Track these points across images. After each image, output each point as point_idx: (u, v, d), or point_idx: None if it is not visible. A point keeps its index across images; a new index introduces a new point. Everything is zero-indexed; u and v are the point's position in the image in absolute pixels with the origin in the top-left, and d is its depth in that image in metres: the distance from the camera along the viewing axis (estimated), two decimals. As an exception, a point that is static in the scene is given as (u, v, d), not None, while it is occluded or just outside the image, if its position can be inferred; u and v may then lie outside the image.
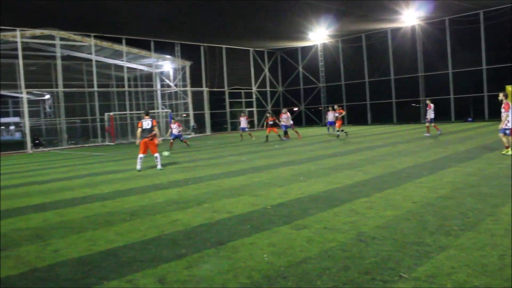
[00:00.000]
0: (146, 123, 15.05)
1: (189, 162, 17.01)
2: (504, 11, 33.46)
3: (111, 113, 35.09)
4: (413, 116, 39.65)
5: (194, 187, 10.92)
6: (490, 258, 4.84)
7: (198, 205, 8.62)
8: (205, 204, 8.62)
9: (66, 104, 33.13)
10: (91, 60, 33.58)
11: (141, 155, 14.93)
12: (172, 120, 25.55)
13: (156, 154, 15.15)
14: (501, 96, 13.74)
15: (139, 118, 36.75)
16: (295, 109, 49.18)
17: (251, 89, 47.43)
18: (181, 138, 25.12)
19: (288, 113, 27.77)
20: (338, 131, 26.23)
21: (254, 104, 47.47)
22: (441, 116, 36.38)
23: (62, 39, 31.59)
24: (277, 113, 49.60)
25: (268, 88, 49.56)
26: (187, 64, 40.35)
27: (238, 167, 14.52)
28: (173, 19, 31.15)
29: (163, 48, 39.01)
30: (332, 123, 28.77)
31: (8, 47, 29.57)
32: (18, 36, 28.83)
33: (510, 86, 33.45)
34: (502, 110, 13.59)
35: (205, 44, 42.31)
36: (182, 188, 10.80)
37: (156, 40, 37.84)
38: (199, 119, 41.65)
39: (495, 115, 34.25)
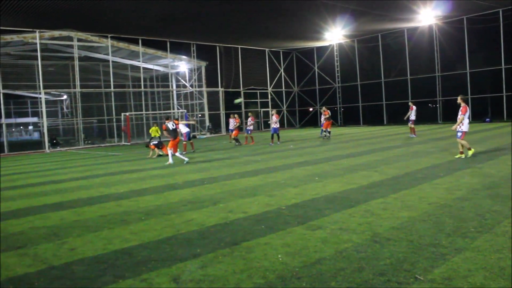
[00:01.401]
0: (171, 124, 17.15)
1: (204, 162, 17.06)
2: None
3: (127, 113, 35.39)
4: (430, 116, 39.23)
5: (209, 187, 10.96)
6: (507, 261, 4.77)
7: (213, 205, 8.64)
8: (220, 204, 8.64)
9: (83, 105, 33.52)
10: (108, 60, 33.92)
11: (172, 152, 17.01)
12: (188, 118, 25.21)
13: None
14: (459, 99, 14.02)
15: (155, 119, 37.20)
16: (311, 109, 49.06)
17: (267, 89, 47.41)
18: (188, 139, 22.67)
19: (276, 116, 24.62)
20: (324, 131, 26.48)
21: (270, 104, 47.43)
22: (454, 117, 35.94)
23: (79, 40, 31.98)
24: (291, 113, 49.79)
25: (283, 88, 49.49)
26: (203, 64, 40.52)
27: (253, 167, 14.53)
28: (189, 19, 31.26)
29: (179, 49, 39.23)
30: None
31: (28, 48, 30.03)
32: (37, 37, 29.25)
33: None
34: (459, 113, 13.82)
35: (221, 45, 42.42)
36: (197, 188, 10.84)
37: (172, 40, 38.05)
38: (215, 119, 41.77)
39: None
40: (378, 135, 27.46)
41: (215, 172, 13.85)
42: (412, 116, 24.31)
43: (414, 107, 24.47)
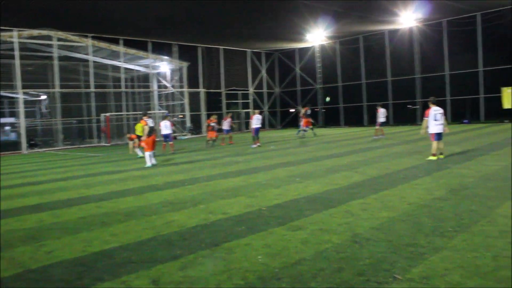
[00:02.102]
0: (150, 121, 16.56)
1: (185, 163, 16.99)
2: (501, 13, 33.62)
3: (107, 114, 35.03)
4: (409, 117, 39.68)
5: (190, 188, 10.91)
6: (483, 260, 4.86)
7: (194, 206, 8.61)
8: (201, 205, 8.61)
9: (63, 105, 33.06)
10: (88, 60, 33.53)
11: (149, 153, 16.20)
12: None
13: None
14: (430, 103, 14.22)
15: (135, 119, 36.90)
16: (292, 110, 49.19)
17: (248, 90, 47.41)
18: (169, 140, 22.64)
19: (256, 116, 24.03)
20: (301, 130, 26.54)
21: (251, 105, 47.45)
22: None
23: (59, 39, 31.53)
24: (273, 114, 49.87)
25: (265, 89, 49.55)
26: (184, 65, 40.32)
27: (235, 168, 14.52)
28: (170, 20, 31.12)
29: (161, 49, 39.00)
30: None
31: (5, 47, 29.51)
32: (15, 36, 28.76)
33: (506, 88, 33.68)
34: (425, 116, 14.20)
35: (203, 45, 42.30)
36: (178, 189, 10.79)
37: (153, 41, 37.82)
38: (196, 120, 41.62)
39: (491, 117, 34.42)
40: (359, 136, 27.68)
41: (197, 173, 13.81)
42: (381, 119, 24.70)
43: (382, 109, 24.88)
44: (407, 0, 29.65)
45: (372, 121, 41.61)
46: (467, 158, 13.70)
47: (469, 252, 5.12)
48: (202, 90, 41.76)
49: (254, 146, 22.93)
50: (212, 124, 25.47)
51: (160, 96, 41.16)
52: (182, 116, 40.67)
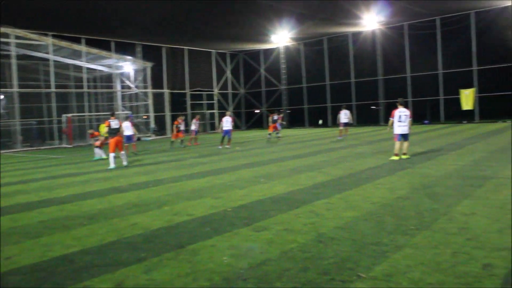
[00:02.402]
0: (114, 123, 16.10)
1: (150, 165, 16.80)
2: (459, 18, 34.76)
3: (69, 115, 34.20)
4: (372, 118, 40.43)
5: (155, 189, 10.79)
6: (443, 256, 4.99)
7: (158, 208, 8.51)
8: (165, 207, 8.53)
9: (22, 105, 32.08)
10: (48, 60, 32.69)
11: (113, 154, 16.00)
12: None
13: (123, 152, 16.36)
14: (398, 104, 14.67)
15: (98, 120, 36.20)
16: (256, 111, 49.34)
17: (213, 91, 47.25)
18: (133, 141, 22.21)
19: (228, 118, 23.95)
20: (273, 133, 26.78)
21: (216, 106, 47.33)
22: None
23: (17, 37, 30.61)
24: (238, 115, 49.88)
25: (230, 90, 49.51)
26: (148, 65, 39.84)
27: (200, 169, 14.44)
28: (134, 19, 30.70)
29: (124, 49, 38.40)
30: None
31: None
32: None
33: (464, 90, 34.79)
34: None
35: (167, 45, 41.90)
36: (142, 191, 10.64)
37: (116, 40, 37.19)
38: (160, 121, 41.18)
39: (451, 118, 35.44)
40: (323, 137, 28.01)
41: (161, 174, 13.66)
42: (344, 120, 25.32)
43: (344, 111, 25.63)
44: (370, 1, 30.15)
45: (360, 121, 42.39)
46: (428, 158, 14.05)
47: (430, 249, 5.25)
48: (166, 91, 41.38)
49: (220, 147, 22.74)
50: (179, 125, 25.27)
51: (123, 97, 40.56)
52: (146, 117, 40.17)
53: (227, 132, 23.01)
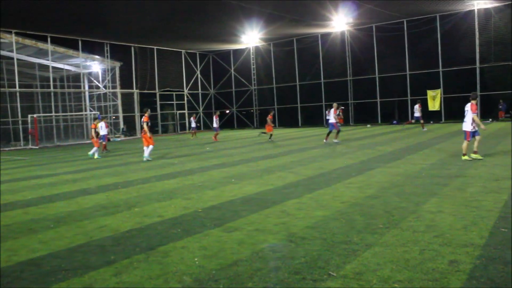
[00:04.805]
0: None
1: (119, 166, 16.57)
2: (425, 21, 35.55)
3: (35, 115, 33.42)
4: (343, 118, 40.84)
5: (124, 191, 10.65)
6: (412, 254, 5.09)
7: (128, 209, 8.41)
8: (135, 209, 8.42)
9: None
10: (12, 58, 31.83)
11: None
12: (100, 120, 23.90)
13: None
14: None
15: (66, 121, 35.50)
16: (227, 111, 49.27)
17: (183, 91, 46.93)
18: (103, 141, 22.88)
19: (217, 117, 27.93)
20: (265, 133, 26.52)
21: (186, 106, 47.04)
22: (368, 118, 37.93)
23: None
24: (208, 115, 49.70)
25: (200, 91, 49.27)
26: (117, 65, 39.30)
27: (170, 170, 14.33)
28: (102, 18, 30.20)
29: (92, 48, 37.74)
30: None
31: None
32: None
33: (431, 91, 35.60)
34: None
35: (136, 45, 41.40)
36: (111, 193, 10.49)
37: (84, 39, 36.51)
38: (129, 121, 40.67)
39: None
40: (293, 137, 28.18)
41: (131, 175, 13.49)
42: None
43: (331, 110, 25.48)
44: (338, 2, 30.50)
45: (306, 122, 42.69)
46: (396, 157, 14.29)
47: (399, 247, 5.34)
48: (135, 91, 40.89)
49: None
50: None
51: (91, 97, 39.88)
52: (115, 117, 39.60)
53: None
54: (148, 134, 17.39)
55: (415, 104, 27.80)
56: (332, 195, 8.73)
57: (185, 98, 47.17)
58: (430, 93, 35.69)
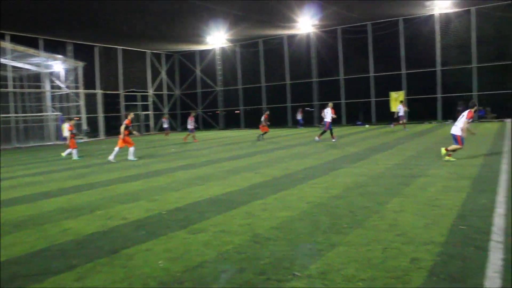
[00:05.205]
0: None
1: (82, 168, 16.24)
2: (389, 24, 36.30)
3: (-7, 116, 32.38)
4: (307, 119, 41.19)
5: (87, 193, 10.44)
6: (375, 252, 5.19)
7: (91, 212, 8.25)
8: (98, 211, 8.27)
9: None
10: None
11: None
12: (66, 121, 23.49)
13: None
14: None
15: (26, 122, 34.50)
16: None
17: (148, 92, 46.36)
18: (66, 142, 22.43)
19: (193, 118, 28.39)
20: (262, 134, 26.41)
21: (151, 107, 46.50)
22: (333, 119, 38.33)
23: None
24: (173, 117, 49.29)
25: (165, 91, 48.79)
26: (80, 64, 38.43)
27: (134, 171, 14.13)
28: (65, 17, 29.53)
29: (54, 47, 36.77)
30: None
31: None
32: None
33: (394, 92, 36.34)
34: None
35: (100, 45, 40.65)
36: (74, 195, 10.26)
37: (45, 38, 35.57)
38: (93, 122, 39.90)
39: (382, 119, 36.88)
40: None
41: (94, 177, 13.24)
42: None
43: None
44: (304, 4, 30.78)
45: (272, 123, 42.85)
46: (361, 158, 14.51)
47: (363, 246, 5.43)
48: (99, 92, 40.15)
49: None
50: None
51: (53, 97, 38.91)
52: (78, 118, 38.76)
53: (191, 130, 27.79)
54: (121, 135, 17.80)
55: (399, 104, 28.70)
56: (297, 195, 8.80)
57: (150, 99, 46.58)
58: (393, 94, 36.41)
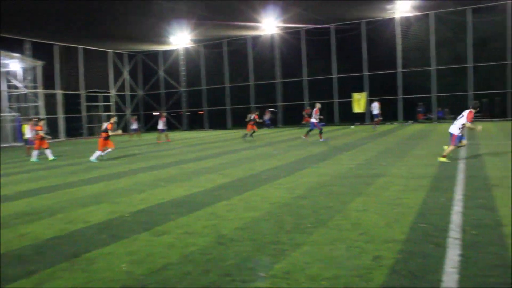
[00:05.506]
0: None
1: (42, 170, 15.79)
2: (351, 26, 36.94)
3: None
4: (272, 120, 41.38)
5: (47, 196, 10.15)
6: (338, 251, 5.25)
7: (51, 216, 8.02)
8: (59, 215, 8.05)
9: None
10: None
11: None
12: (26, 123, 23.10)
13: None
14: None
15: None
16: (155, 113, 48.36)
17: (110, 92, 45.54)
18: (30, 143, 22.31)
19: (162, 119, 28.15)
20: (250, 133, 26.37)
21: (113, 108, 45.69)
22: (297, 120, 38.65)
23: None
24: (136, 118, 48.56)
25: (128, 92, 48.04)
26: (39, 64, 37.36)
27: (97, 173, 13.84)
28: (23, 14, 28.67)
29: (10, 45, 35.59)
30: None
31: None
32: None
33: (356, 93, 36.95)
34: None
35: (60, 44, 39.66)
36: (33, 199, 9.96)
37: (1, 36, 34.38)
38: (52, 123, 38.85)
39: (345, 120, 37.48)
40: (223, 139, 28.20)
41: (54, 180, 12.89)
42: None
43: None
44: (267, 5, 30.93)
45: (236, 124, 42.83)
46: (325, 158, 14.68)
47: (326, 245, 5.48)
48: (58, 92, 39.17)
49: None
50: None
51: (10, 97, 37.68)
52: (37, 119, 37.65)
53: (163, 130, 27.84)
54: (102, 136, 17.81)
55: (373, 103, 28.91)
56: (261, 196, 8.82)
57: (112, 100, 45.78)
58: (355, 95, 37.03)
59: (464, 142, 12.62)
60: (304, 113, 33.32)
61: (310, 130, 22.79)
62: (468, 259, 4.82)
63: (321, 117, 22.95)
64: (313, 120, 22.28)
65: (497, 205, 7.18)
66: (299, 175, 11.31)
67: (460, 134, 12.34)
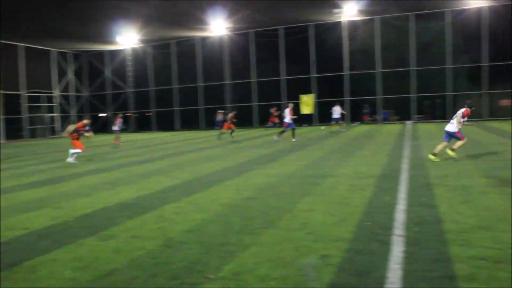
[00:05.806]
0: None
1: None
2: (300, 29, 37.51)
3: None
4: (221, 121, 41.30)
5: (-16, 202, 9.66)
6: (287, 251, 5.29)
7: (-12, 222, 7.64)
8: (-3, 221, 7.69)
9: None
10: None
11: None
12: None
13: None
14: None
15: None
16: (104, 115, 47.21)
17: (53, 93, 43.98)
18: None
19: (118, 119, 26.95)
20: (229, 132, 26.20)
21: (57, 109, 44.16)
22: (246, 122, 38.80)
23: None
24: (81, 119, 47.15)
25: (73, 93, 46.57)
26: (-25, 63, 35.65)
27: (38, 177, 13.32)
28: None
29: None
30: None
31: None
32: None
33: (304, 95, 37.53)
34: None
35: (-2, 42, 37.96)
36: (-32, 204, 9.45)
37: None
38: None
39: (293, 121, 37.93)
40: (171, 141, 27.88)
41: (-8, 184, 12.30)
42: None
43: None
44: (215, 6, 30.87)
45: (184, 125, 42.46)
46: (273, 159, 14.78)
47: (275, 246, 5.51)
48: (-2, 92, 37.49)
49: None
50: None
51: None
52: None
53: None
54: (66, 134, 17.31)
55: (334, 105, 28.37)
56: (210, 198, 8.77)
57: (56, 101, 44.22)
58: (303, 97, 37.56)
59: (460, 143, 12.43)
60: (271, 112, 33.64)
61: (283, 131, 23.00)
62: (411, 255, 4.98)
63: (295, 117, 23.16)
64: (287, 120, 22.51)
65: (437, 202, 7.48)
66: (247, 176, 11.33)
67: (453, 131, 12.26)
